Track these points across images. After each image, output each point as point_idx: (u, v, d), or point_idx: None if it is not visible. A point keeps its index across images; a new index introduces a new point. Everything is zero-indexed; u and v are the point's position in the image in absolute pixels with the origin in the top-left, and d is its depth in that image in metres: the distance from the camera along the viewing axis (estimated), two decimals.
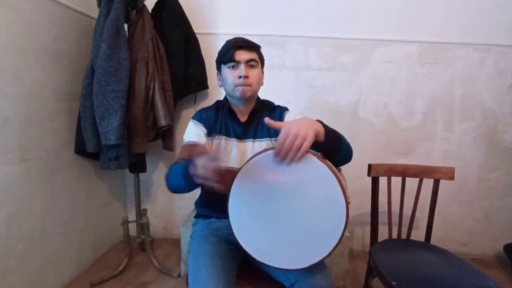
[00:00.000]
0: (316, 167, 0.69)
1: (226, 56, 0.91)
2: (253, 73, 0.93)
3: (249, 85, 0.92)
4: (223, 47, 0.93)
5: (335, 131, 0.81)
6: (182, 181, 0.76)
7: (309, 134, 0.67)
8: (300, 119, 0.73)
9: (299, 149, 0.66)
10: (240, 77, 0.90)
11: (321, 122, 0.77)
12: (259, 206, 0.74)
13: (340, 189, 0.67)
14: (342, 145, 0.80)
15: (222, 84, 0.97)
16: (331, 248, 0.70)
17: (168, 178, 0.85)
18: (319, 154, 0.73)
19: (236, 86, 0.91)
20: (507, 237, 1.83)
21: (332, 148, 0.77)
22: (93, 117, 1.37)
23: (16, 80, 1.19)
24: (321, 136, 0.73)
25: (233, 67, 0.91)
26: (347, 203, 0.68)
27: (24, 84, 1.22)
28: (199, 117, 0.98)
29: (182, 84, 1.69)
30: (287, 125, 0.68)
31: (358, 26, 1.76)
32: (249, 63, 0.91)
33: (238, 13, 1.78)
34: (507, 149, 1.80)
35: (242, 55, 0.90)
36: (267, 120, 0.73)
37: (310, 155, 0.69)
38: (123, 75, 1.34)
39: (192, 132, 0.95)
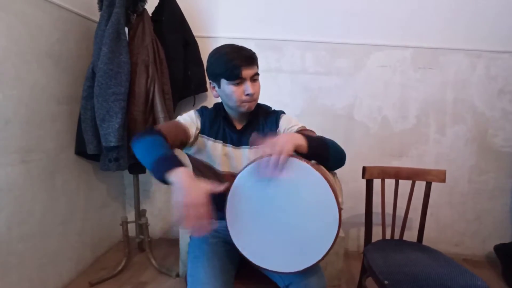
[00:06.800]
0: (310, 174, 0.71)
1: (232, 73, 0.86)
2: (256, 87, 0.92)
3: (254, 100, 0.93)
4: (225, 62, 0.87)
5: (321, 140, 0.83)
6: (150, 166, 0.72)
7: (284, 148, 0.70)
8: (280, 135, 0.76)
9: (276, 164, 0.70)
10: (247, 94, 0.89)
11: (304, 134, 0.80)
12: (255, 210, 0.76)
13: (333, 195, 0.70)
14: (330, 153, 0.81)
15: (223, 98, 0.94)
16: (324, 252, 0.73)
17: (138, 144, 0.78)
18: (313, 161, 0.76)
19: (243, 102, 0.90)
20: (497, 237, 1.88)
21: (319, 156, 0.79)
22: (94, 119, 1.39)
23: (18, 82, 1.20)
24: (303, 148, 0.75)
25: (237, 83, 0.88)
26: (340, 209, 0.71)
27: (26, 86, 1.24)
28: (201, 112, 0.99)
29: (181, 87, 1.71)
30: (264, 145, 0.73)
31: (353, 31, 1.80)
32: (252, 78, 0.90)
33: (236, 17, 1.81)
34: (497, 152, 1.86)
35: (247, 72, 0.88)
36: (253, 138, 0.77)
37: (304, 163, 0.71)
38: (123, 78, 1.36)
39: (188, 119, 0.96)
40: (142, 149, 0.77)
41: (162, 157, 0.72)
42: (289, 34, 1.81)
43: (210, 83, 0.96)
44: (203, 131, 0.97)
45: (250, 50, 0.90)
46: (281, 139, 0.73)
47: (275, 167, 0.70)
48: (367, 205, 1.31)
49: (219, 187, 0.70)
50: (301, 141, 0.76)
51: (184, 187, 0.65)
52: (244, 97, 0.90)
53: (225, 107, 0.99)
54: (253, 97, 0.91)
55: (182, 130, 0.91)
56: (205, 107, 1.03)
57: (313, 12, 1.79)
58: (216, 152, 0.97)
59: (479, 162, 1.87)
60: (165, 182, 0.69)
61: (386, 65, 1.82)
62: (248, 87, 0.88)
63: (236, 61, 0.86)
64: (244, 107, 0.92)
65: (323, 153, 0.80)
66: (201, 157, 0.99)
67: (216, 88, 0.94)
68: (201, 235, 0.62)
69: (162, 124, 0.91)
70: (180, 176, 0.67)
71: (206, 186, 0.67)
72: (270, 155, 0.70)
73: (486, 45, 1.77)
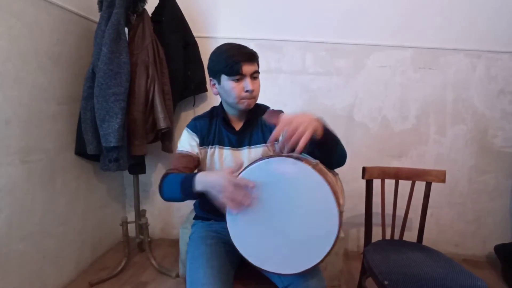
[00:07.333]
0: (311, 176, 0.71)
1: (232, 69, 0.87)
2: (256, 84, 0.92)
3: (254, 98, 0.93)
4: (226, 58, 0.88)
5: (332, 131, 0.82)
6: (179, 193, 0.82)
7: (308, 127, 0.68)
8: (302, 112, 0.73)
9: (297, 141, 0.67)
10: (247, 91, 0.89)
11: (323, 120, 0.78)
12: (255, 212, 0.76)
13: (334, 198, 0.70)
14: (338, 146, 0.81)
15: (223, 95, 0.94)
16: (324, 255, 0.73)
17: (163, 187, 0.88)
18: (315, 162, 0.76)
19: (242, 99, 0.91)
20: (497, 238, 1.88)
21: (329, 147, 0.79)
22: (94, 119, 1.39)
23: (18, 83, 1.20)
24: (319, 133, 0.74)
25: (237, 79, 0.89)
26: (340, 212, 0.70)
27: (26, 86, 1.24)
28: (193, 126, 0.99)
29: (181, 87, 1.71)
30: (287, 116, 0.70)
31: (354, 31, 1.80)
32: (253, 75, 0.91)
33: (237, 17, 1.81)
34: (497, 152, 1.86)
35: (248, 68, 0.88)
36: (266, 116, 0.77)
37: (306, 165, 0.71)
38: (123, 78, 1.36)
39: (186, 142, 0.97)
40: (167, 191, 0.87)
41: (182, 181, 0.81)
42: (289, 34, 1.81)
43: (211, 80, 0.97)
44: (202, 143, 0.98)
45: (251, 49, 0.92)
46: (303, 117, 0.70)
47: (294, 143, 0.67)
48: (367, 205, 1.31)
49: (234, 169, 0.74)
50: (319, 125, 0.74)
51: (211, 182, 0.74)
52: (244, 94, 0.90)
53: (224, 105, 1.00)
54: (252, 94, 0.91)
55: (188, 156, 0.95)
56: (196, 118, 1.02)
57: (313, 12, 1.79)
58: (214, 158, 0.98)
59: (479, 163, 1.87)
60: (199, 195, 0.78)
61: (386, 65, 1.82)
62: (247, 83, 0.89)
63: (237, 57, 0.87)
64: (243, 104, 0.92)
65: (332, 144, 0.80)
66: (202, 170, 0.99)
67: (216, 85, 0.95)
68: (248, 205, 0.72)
69: (173, 163, 0.96)
70: (202, 180, 0.77)
71: (224, 171, 0.73)
72: (291, 135, 0.68)
73: (486, 46, 1.77)
